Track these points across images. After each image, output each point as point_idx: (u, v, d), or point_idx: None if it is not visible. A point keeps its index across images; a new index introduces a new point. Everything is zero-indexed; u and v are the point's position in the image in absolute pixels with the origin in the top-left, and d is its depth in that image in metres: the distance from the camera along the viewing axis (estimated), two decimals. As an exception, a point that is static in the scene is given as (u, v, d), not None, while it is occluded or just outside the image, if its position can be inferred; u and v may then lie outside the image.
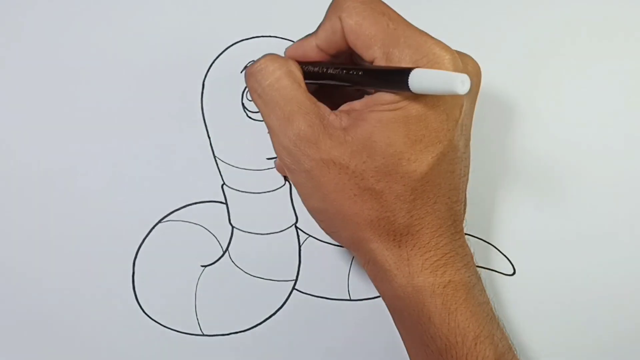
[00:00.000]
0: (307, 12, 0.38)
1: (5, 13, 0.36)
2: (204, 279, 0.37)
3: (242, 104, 0.37)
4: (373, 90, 0.29)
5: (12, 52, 0.36)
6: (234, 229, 0.37)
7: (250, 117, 0.37)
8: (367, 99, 0.29)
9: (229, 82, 0.37)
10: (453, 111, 0.29)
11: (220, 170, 0.37)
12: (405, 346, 0.33)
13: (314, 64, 0.31)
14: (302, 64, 0.31)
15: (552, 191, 0.39)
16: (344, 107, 0.30)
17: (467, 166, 0.32)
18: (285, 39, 0.37)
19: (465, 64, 0.29)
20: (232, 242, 0.37)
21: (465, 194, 0.32)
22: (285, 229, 0.37)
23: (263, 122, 0.37)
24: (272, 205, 0.37)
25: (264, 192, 0.37)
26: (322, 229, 0.32)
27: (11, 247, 0.36)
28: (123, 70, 0.37)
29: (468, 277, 0.31)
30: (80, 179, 0.36)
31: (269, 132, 0.31)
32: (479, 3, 0.39)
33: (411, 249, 0.30)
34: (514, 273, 0.39)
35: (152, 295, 0.36)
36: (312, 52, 0.31)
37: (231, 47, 0.37)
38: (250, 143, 0.37)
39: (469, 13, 0.39)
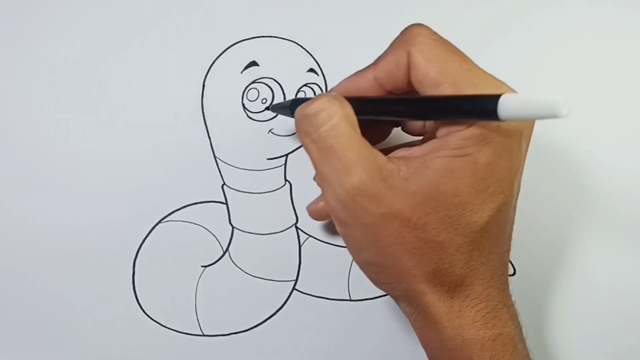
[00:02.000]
0: (307, 13, 0.38)
1: (5, 14, 0.36)
2: (204, 279, 0.37)
3: (242, 104, 0.37)
4: (424, 124, 0.28)
5: (10, 52, 0.36)
6: (234, 229, 0.37)
7: (250, 117, 0.37)
8: (429, 144, 0.28)
9: (229, 82, 0.37)
10: (517, 159, 0.28)
11: (220, 170, 0.37)
12: None
13: (366, 99, 0.29)
14: (351, 99, 0.29)
15: (552, 191, 0.39)
16: (397, 152, 0.29)
17: (515, 213, 0.30)
18: (286, 39, 0.37)
19: None
20: (232, 242, 0.37)
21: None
22: (286, 229, 0.37)
23: (263, 122, 0.37)
24: (272, 205, 0.37)
25: (264, 192, 0.37)
26: (372, 280, 0.31)
27: (11, 247, 0.36)
28: (123, 70, 0.37)
29: (514, 331, 0.30)
30: (81, 179, 0.36)
31: (320, 183, 0.29)
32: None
33: (463, 301, 0.29)
34: (514, 273, 0.39)
35: (152, 295, 0.36)
36: (368, 86, 0.30)
37: (231, 47, 0.37)
38: (250, 143, 0.37)
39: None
